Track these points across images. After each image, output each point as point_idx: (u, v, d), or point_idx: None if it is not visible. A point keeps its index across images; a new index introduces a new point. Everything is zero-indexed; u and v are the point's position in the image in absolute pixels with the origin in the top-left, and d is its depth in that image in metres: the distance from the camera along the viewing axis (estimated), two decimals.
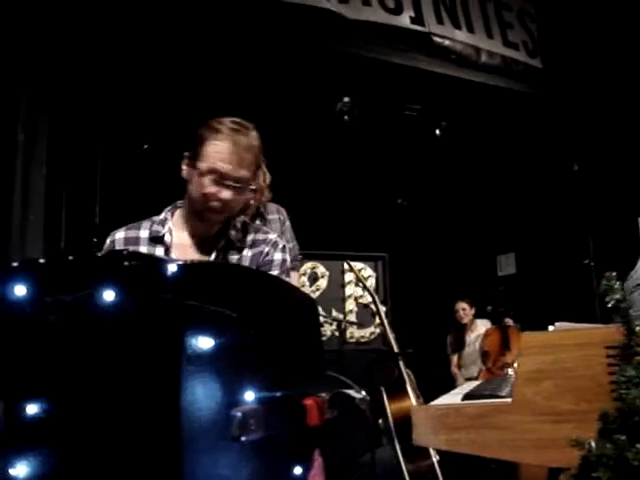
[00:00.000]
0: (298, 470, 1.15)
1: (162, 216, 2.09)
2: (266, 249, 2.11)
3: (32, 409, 0.99)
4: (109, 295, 0.99)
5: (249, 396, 1.05)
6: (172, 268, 1.03)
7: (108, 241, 2.05)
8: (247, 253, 2.10)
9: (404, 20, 5.24)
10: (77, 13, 4.02)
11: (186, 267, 1.06)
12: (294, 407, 1.16)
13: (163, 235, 2.04)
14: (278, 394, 1.09)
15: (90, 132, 4.17)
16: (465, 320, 6.33)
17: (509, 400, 1.74)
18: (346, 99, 5.18)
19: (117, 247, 1.99)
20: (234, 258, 2.08)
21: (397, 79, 5.32)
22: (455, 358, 6.39)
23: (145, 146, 4.60)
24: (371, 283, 5.35)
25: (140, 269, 1.04)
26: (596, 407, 1.39)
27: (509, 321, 5.86)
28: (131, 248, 1.96)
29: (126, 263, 1.03)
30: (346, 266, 3.88)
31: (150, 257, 1.03)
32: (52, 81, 3.94)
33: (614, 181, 5.77)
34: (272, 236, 2.17)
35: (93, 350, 0.99)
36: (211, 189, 1.97)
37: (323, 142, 4.92)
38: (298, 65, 4.86)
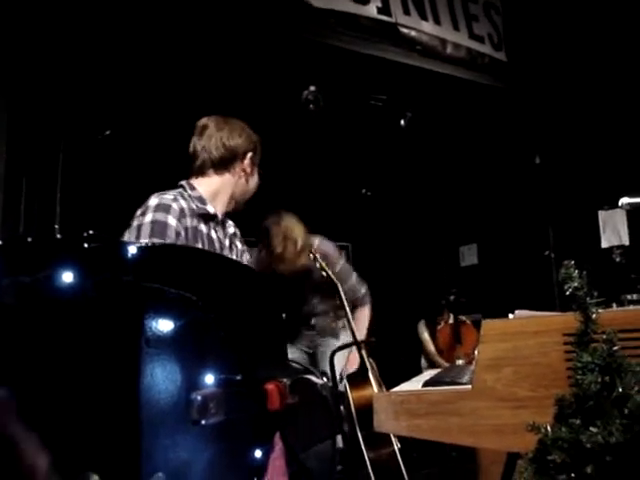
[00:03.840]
0: (258, 454, 1.15)
1: (195, 193, 2.38)
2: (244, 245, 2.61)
3: None
4: (68, 276, 0.98)
5: (209, 379, 1.05)
6: (132, 250, 1.02)
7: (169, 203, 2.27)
8: (238, 242, 2.55)
9: (371, 10, 5.24)
10: None
11: (147, 249, 1.06)
12: (255, 391, 1.16)
13: (215, 214, 2.41)
14: (238, 377, 1.09)
15: (52, 117, 4.10)
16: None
17: (469, 387, 1.76)
18: (312, 88, 5.16)
19: (176, 217, 2.23)
20: (237, 243, 2.54)
21: (363, 69, 5.32)
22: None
23: (107, 132, 4.54)
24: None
25: (100, 251, 1.03)
26: (554, 393, 1.41)
27: (463, 317, 5.95)
28: (189, 220, 2.28)
29: (86, 245, 1.02)
30: (310, 255, 3.87)
31: (110, 239, 1.02)
32: (12, 65, 3.87)
33: (575, 174, 5.87)
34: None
35: (50, 332, 0.97)
36: None
37: (288, 130, 4.91)
38: (264, 52, 4.83)
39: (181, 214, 2.25)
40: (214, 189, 2.43)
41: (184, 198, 2.33)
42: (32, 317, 0.98)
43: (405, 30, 5.41)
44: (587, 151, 5.81)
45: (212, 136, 2.44)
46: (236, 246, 2.54)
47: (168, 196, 2.30)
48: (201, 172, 2.45)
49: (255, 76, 4.90)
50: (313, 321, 4.06)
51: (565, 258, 1.53)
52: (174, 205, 2.25)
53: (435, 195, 6.96)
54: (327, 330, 4.06)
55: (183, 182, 2.44)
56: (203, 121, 2.49)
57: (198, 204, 2.35)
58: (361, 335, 3.87)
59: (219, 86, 4.67)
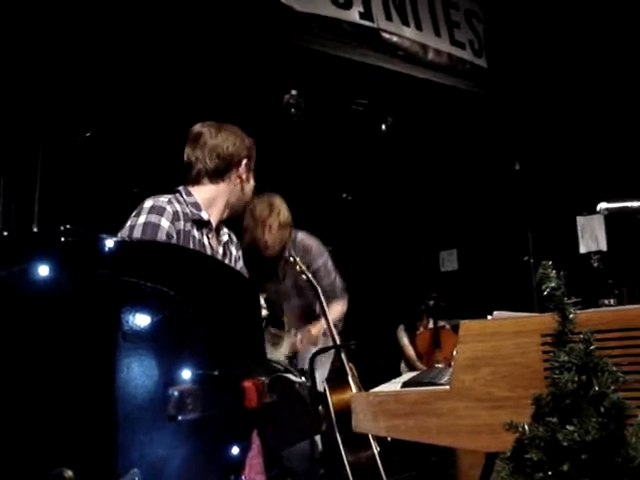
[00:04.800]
0: (236, 451, 1.15)
1: (191, 199, 2.40)
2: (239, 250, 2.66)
3: None
4: (44, 270, 0.97)
5: (186, 375, 1.04)
6: (110, 244, 1.02)
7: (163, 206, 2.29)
8: (233, 248, 2.58)
9: (353, 15, 5.26)
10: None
11: (124, 244, 1.05)
12: (232, 388, 1.16)
13: (209, 220, 2.40)
14: (216, 373, 1.08)
15: (32, 117, 4.07)
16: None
17: (447, 387, 1.77)
18: (293, 92, 5.16)
19: (169, 219, 2.25)
20: (232, 249, 2.57)
21: (345, 73, 5.33)
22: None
23: (87, 134, 4.51)
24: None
25: (77, 245, 1.02)
26: (531, 393, 1.42)
27: (443, 322, 5.97)
28: (182, 223, 2.30)
29: (63, 239, 1.01)
30: (291, 259, 3.87)
31: (87, 233, 1.01)
32: None
33: (554, 180, 5.92)
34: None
35: (26, 326, 0.96)
36: None
37: (269, 134, 4.90)
38: (245, 56, 4.83)
39: (174, 217, 2.27)
40: (210, 197, 2.44)
41: (179, 202, 2.35)
42: (7, 311, 0.98)
43: (387, 35, 5.43)
44: (566, 157, 5.87)
45: (206, 145, 2.45)
46: (230, 252, 2.54)
47: (163, 199, 2.31)
48: (197, 181, 2.46)
49: (237, 79, 4.89)
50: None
51: None
52: (168, 208, 2.27)
53: (415, 200, 6.98)
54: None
55: (180, 187, 2.45)
56: (197, 128, 2.50)
57: (193, 209, 2.37)
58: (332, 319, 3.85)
59: (200, 89, 4.66)
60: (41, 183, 3.99)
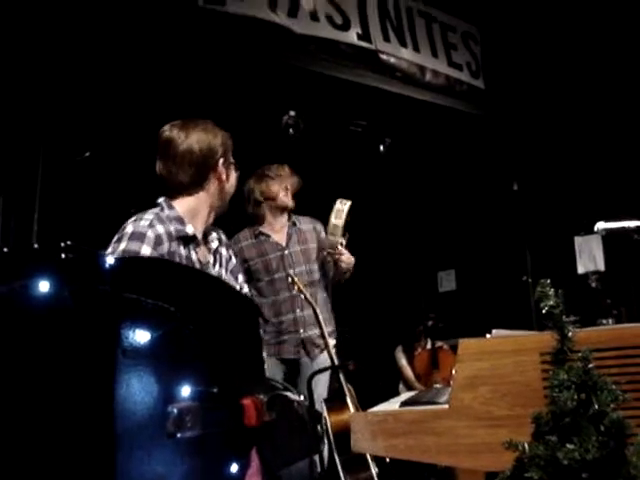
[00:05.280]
0: (234, 469, 1.14)
1: (173, 213, 2.31)
2: (230, 249, 2.55)
3: None
4: (44, 286, 0.97)
5: (186, 392, 1.04)
6: (110, 261, 1.02)
7: (142, 231, 2.20)
8: (223, 251, 2.48)
9: (351, 36, 5.30)
10: (13, 16, 3.95)
11: (124, 261, 1.05)
12: (232, 406, 1.15)
13: (194, 235, 2.31)
14: (215, 390, 1.08)
15: (31, 136, 4.09)
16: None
17: (446, 406, 1.76)
18: (292, 113, 5.19)
19: (151, 245, 2.17)
20: (223, 252, 2.47)
21: (343, 94, 5.36)
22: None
23: (87, 154, 4.52)
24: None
25: (78, 261, 1.02)
26: (531, 412, 1.41)
27: (441, 343, 5.96)
28: (167, 245, 2.22)
29: (63, 255, 1.02)
30: (289, 280, 3.87)
31: (88, 250, 1.01)
32: None
33: (552, 201, 5.93)
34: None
35: (27, 341, 0.96)
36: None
37: (267, 155, 4.92)
38: (245, 77, 4.86)
39: (157, 241, 2.18)
40: (192, 208, 2.35)
41: (162, 221, 2.26)
42: (7, 327, 0.98)
43: (385, 57, 5.48)
44: (564, 177, 5.90)
45: (177, 155, 2.31)
46: (221, 257, 2.46)
47: (144, 222, 2.22)
48: (176, 195, 2.36)
49: (236, 100, 4.91)
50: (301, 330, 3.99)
51: None
52: (149, 232, 2.18)
53: (414, 220, 6.99)
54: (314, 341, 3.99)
55: (161, 200, 2.36)
56: (165, 134, 2.37)
57: (177, 226, 2.28)
58: None
59: (199, 110, 4.66)
60: (40, 202, 4.00)
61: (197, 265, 2.31)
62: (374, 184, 6.53)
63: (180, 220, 2.30)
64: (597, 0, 5.50)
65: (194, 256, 2.32)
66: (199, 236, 2.37)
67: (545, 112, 6.01)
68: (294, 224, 4.12)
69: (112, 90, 4.51)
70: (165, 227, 2.24)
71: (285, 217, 4.12)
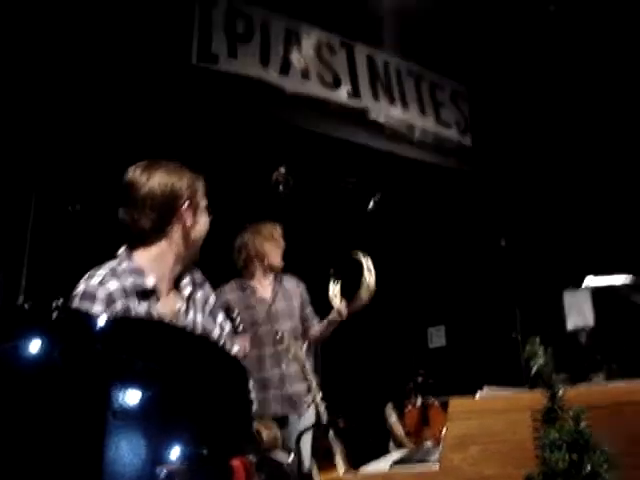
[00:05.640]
0: None
1: (131, 265, 2.13)
2: (207, 288, 2.36)
3: None
4: (35, 346, 0.97)
5: (175, 453, 1.03)
6: (101, 322, 1.02)
7: (95, 291, 2.02)
8: (199, 294, 2.30)
9: (341, 95, 5.40)
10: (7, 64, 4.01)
11: (115, 321, 1.05)
12: (221, 467, 1.14)
13: (154, 288, 2.12)
14: (204, 452, 1.07)
15: (22, 187, 4.10)
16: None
17: (437, 466, 1.74)
18: (282, 169, 5.23)
19: (102, 305, 1.97)
20: (198, 296, 2.28)
21: (333, 151, 5.43)
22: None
23: (77, 206, 4.53)
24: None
25: (69, 322, 1.02)
26: (522, 472, 1.40)
27: (431, 399, 5.92)
28: (120, 303, 2.02)
29: (54, 315, 1.02)
30: (278, 335, 3.86)
31: (78, 311, 1.01)
32: None
33: (540, 256, 5.97)
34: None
35: (17, 401, 0.96)
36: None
37: (257, 211, 4.96)
38: (236, 133, 4.92)
39: (108, 300, 2.01)
40: (155, 257, 2.17)
41: (116, 275, 2.09)
42: None
43: (374, 115, 5.57)
44: (551, 233, 5.95)
45: (137, 201, 2.15)
46: (195, 301, 2.27)
47: (95, 280, 2.06)
48: (138, 243, 2.19)
49: (227, 156, 4.96)
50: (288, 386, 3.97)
51: None
52: (100, 292, 2.02)
53: (403, 277, 7.00)
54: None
55: (121, 251, 2.20)
56: (128, 177, 2.21)
57: (135, 279, 2.10)
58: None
59: (191, 166, 4.71)
60: (29, 257, 3.99)
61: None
62: (364, 240, 6.55)
63: (139, 272, 2.13)
64: (583, 61, 5.63)
65: (154, 311, 2.13)
66: (164, 287, 2.19)
67: (532, 169, 6.10)
68: (280, 281, 4.18)
69: (102, 144, 4.55)
70: (120, 282, 2.07)
71: (272, 275, 4.19)
